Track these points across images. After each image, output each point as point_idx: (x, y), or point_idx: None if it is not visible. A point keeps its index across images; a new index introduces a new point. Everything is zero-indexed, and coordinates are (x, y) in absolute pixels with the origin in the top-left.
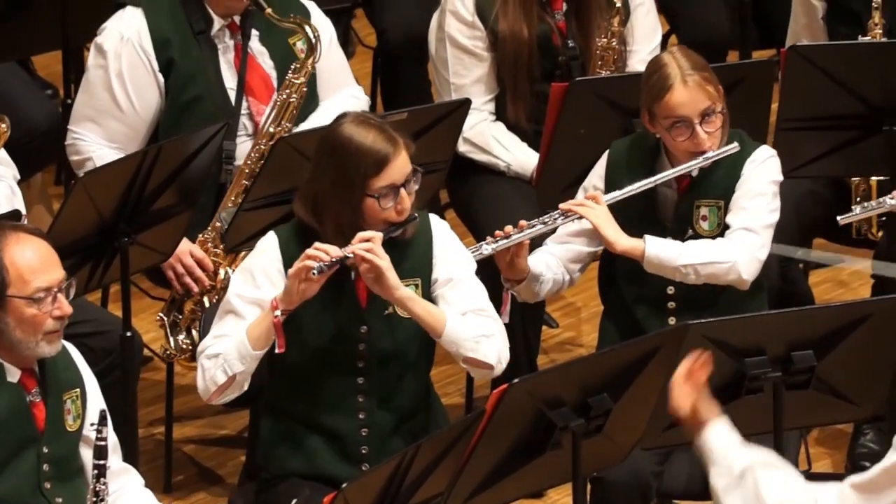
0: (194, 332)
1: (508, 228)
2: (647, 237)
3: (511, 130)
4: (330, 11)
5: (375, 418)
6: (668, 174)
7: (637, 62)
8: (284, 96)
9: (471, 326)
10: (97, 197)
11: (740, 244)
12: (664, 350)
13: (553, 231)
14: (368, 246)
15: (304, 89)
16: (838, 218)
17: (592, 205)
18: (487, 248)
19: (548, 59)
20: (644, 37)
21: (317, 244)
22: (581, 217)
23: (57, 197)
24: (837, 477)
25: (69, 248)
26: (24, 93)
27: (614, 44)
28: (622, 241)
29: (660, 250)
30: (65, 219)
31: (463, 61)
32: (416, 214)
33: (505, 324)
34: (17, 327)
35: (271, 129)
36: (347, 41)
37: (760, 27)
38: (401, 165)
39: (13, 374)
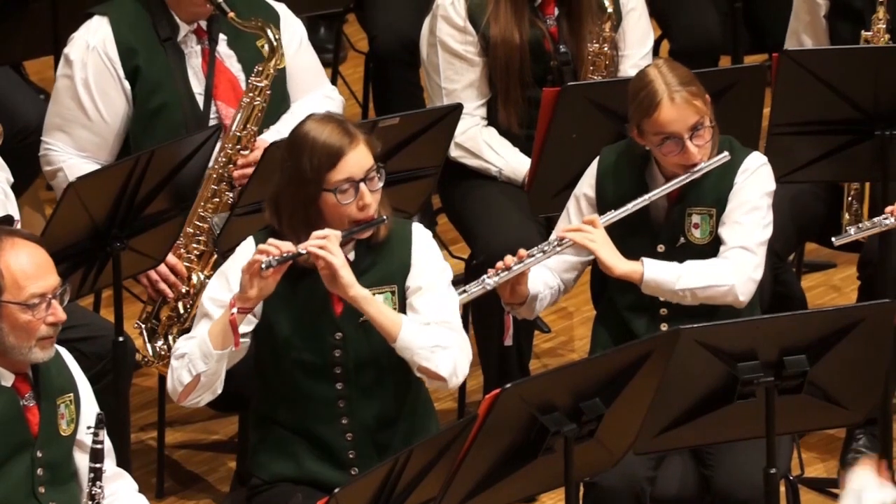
0: (171, 339)
1: (508, 260)
2: (645, 260)
3: (503, 135)
4: (322, 17)
5: (358, 423)
6: (662, 190)
7: (629, 67)
8: (248, 100)
9: (428, 336)
10: (89, 202)
11: (737, 266)
12: (656, 355)
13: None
14: (322, 243)
15: (268, 92)
16: (833, 239)
17: (590, 229)
18: (490, 281)
19: (539, 63)
20: (636, 41)
21: (270, 240)
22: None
23: (49, 202)
24: (830, 482)
25: (61, 254)
26: (17, 93)
27: (606, 49)
28: (620, 266)
29: (658, 274)
30: (57, 224)
31: (454, 66)
32: (385, 217)
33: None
34: (11, 333)
35: (238, 133)
36: (339, 46)
37: (752, 32)
38: (358, 159)
39: (7, 379)
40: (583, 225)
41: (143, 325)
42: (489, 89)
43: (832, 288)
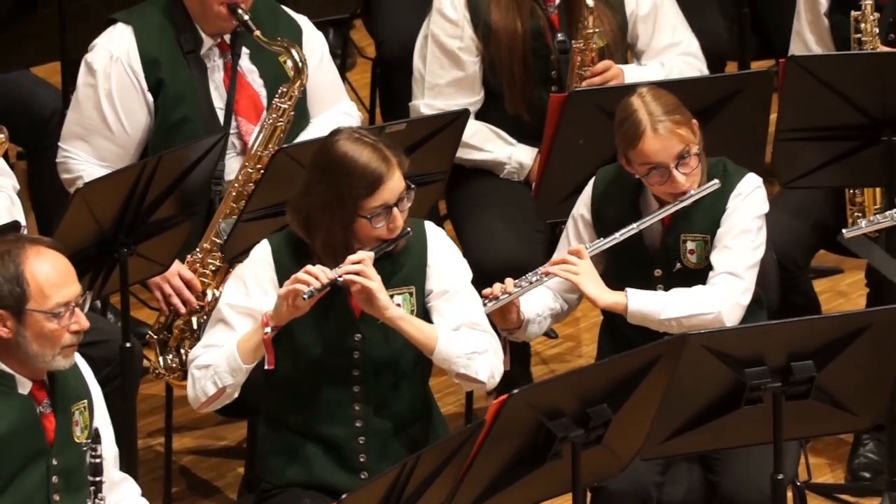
0: (182, 352)
1: (496, 290)
2: (629, 291)
3: (513, 124)
4: (329, 22)
5: (372, 426)
6: (652, 218)
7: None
8: (272, 120)
9: (463, 343)
10: (96, 208)
11: (723, 293)
12: (664, 360)
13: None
14: (359, 268)
15: (292, 113)
16: (844, 231)
17: (575, 260)
18: None
19: (540, 51)
20: (648, 37)
21: (308, 267)
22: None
23: None
24: (838, 488)
25: (68, 259)
26: (35, 85)
27: (592, 45)
28: (604, 298)
29: (643, 305)
30: (64, 230)
31: (441, 61)
32: (409, 229)
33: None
34: (35, 341)
35: (259, 153)
36: (347, 52)
37: (759, 37)
38: (393, 186)
39: (24, 386)
40: (568, 256)
41: (156, 337)
42: (481, 88)
43: (839, 293)
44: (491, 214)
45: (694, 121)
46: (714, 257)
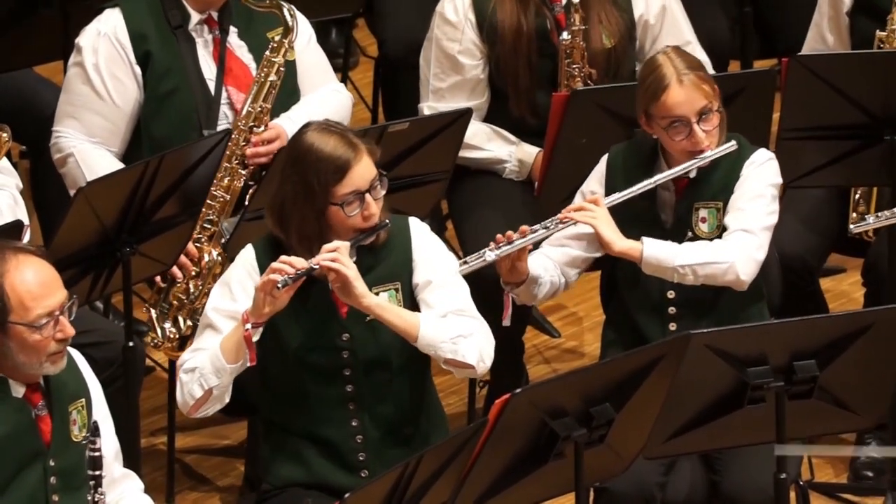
0: (180, 320)
1: (510, 234)
2: (645, 239)
3: (516, 126)
4: (332, 22)
5: (368, 425)
6: (668, 174)
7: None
8: (263, 75)
9: (448, 328)
10: (99, 207)
11: (738, 245)
12: (666, 359)
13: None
14: (333, 256)
15: (282, 69)
16: (851, 226)
17: (592, 207)
18: (490, 254)
19: (546, 51)
20: (652, 39)
21: (282, 257)
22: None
23: None
24: (840, 487)
25: (71, 259)
26: (38, 84)
27: (579, 41)
28: (619, 243)
29: (657, 251)
30: (66, 229)
31: (443, 65)
32: (388, 220)
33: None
34: (21, 352)
35: (249, 108)
36: (349, 51)
37: (762, 36)
38: (363, 171)
39: (18, 390)
40: (585, 203)
41: (153, 309)
42: (485, 91)
43: (842, 293)
44: (492, 214)
45: (715, 84)
46: (728, 219)
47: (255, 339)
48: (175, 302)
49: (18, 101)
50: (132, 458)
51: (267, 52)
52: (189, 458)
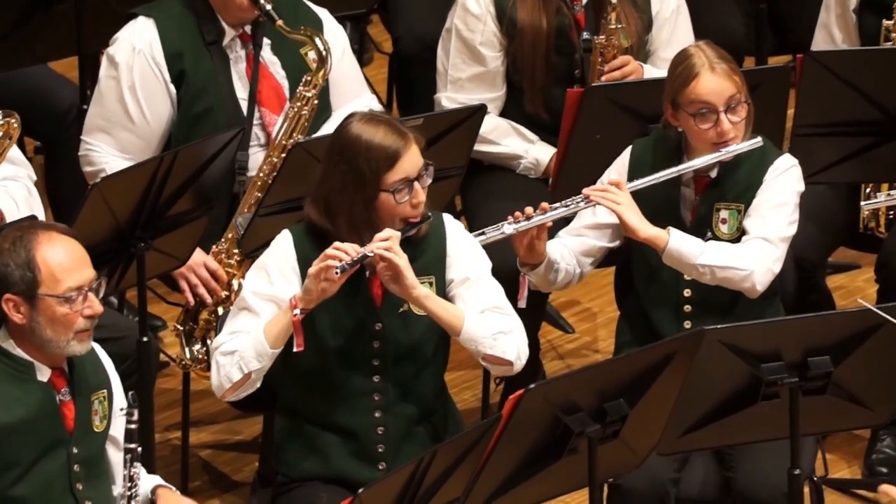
0: (209, 342)
1: (529, 210)
2: (672, 229)
3: (531, 123)
4: (346, 17)
5: (391, 416)
6: (693, 164)
7: (659, 61)
8: (296, 109)
9: (489, 324)
10: (113, 203)
11: (760, 255)
12: (680, 355)
13: (574, 215)
14: (387, 244)
15: (315, 102)
16: (862, 204)
17: (616, 191)
18: (509, 227)
19: (564, 49)
20: (666, 42)
21: (336, 244)
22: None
23: None
24: (855, 483)
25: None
26: (52, 80)
27: (613, 41)
28: (645, 229)
29: (682, 244)
30: (81, 224)
31: (463, 56)
32: (431, 214)
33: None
34: (49, 326)
35: (283, 142)
36: (364, 47)
37: (776, 33)
38: (412, 159)
39: (43, 373)
40: (609, 186)
41: (181, 328)
42: (503, 84)
43: (856, 289)
44: (505, 208)
45: (744, 79)
46: (748, 223)
47: None
48: (203, 323)
49: (33, 98)
50: (146, 453)
51: (300, 87)
52: (203, 453)
